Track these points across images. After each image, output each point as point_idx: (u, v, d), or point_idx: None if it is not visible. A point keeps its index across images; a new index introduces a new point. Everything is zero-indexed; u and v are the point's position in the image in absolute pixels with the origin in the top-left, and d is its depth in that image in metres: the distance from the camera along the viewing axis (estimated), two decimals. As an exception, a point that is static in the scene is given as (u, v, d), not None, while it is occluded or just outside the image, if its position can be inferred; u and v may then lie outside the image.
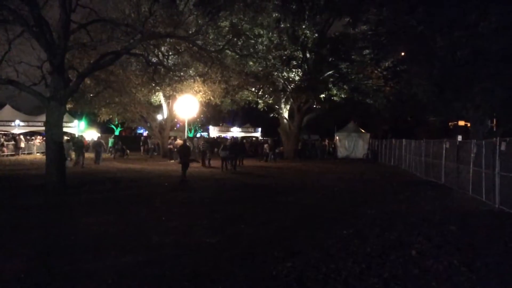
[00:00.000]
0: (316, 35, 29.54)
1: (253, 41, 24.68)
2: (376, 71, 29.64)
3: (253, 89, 31.94)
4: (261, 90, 31.77)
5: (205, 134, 56.39)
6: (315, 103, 32.87)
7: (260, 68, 27.98)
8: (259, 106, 34.02)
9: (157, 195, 13.09)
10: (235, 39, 21.10)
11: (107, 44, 16.02)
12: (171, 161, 27.04)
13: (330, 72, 30.78)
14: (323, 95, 31.18)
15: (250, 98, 33.01)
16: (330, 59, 30.57)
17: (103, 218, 9.37)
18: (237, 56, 22.94)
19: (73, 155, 23.54)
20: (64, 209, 10.75)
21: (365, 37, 25.68)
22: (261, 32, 25.53)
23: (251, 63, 26.38)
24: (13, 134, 36.44)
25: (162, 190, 14.32)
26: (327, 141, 41.37)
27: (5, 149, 30.83)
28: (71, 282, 5.35)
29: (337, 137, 36.32)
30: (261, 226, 8.81)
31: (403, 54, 24.79)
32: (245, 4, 18.01)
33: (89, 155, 27.23)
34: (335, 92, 30.77)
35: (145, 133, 53.26)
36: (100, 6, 15.83)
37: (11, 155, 30.96)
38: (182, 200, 12.32)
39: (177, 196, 13.01)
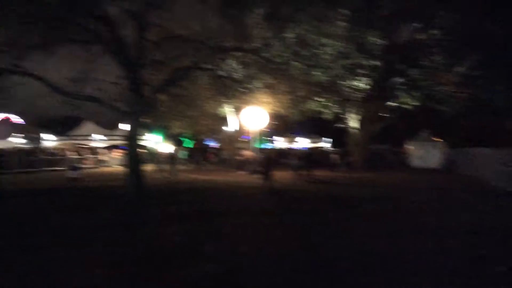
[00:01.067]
0: (384, 41, 28.86)
1: (318, 51, 24.59)
2: (448, 77, 28.38)
3: (319, 99, 31.74)
4: (328, 100, 31.50)
5: (272, 145, 56.72)
6: (384, 111, 32.06)
7: (326, 78, 27.79)
8: (326, 116, 33.73)
9: (230, 205, 13.41)
10: (301, 50, 21.15)
11: (179, 60, 16.73)
12: (241, 172, 27.52)
13: (399, 80, 29.91)
14: (393, 103, 30.34)
15: (317, 108, 32.83)
16: (399, 66, 29.70)
17: (181, 227, 9.72)
18: (302, 67, 22.96)
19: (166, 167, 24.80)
20: (141, 218, 11.28)
21: (437, 43, 24.74)
22: (327, 41, 25.39)
23: (316, 73, 26.27)
24: (93, 147, 38.86)
25: (235, 201, 14.63)
26: (398, 150, 40.11)
27: (86, 162, 32.99)
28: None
29: (409, 146, 35.12)
30: (338, 237, 8.71)
31: (478, 59, 23.57)
32: (310, 15, 18.07)
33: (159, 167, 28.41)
34: (405, 99, 29.82)
35: (213, 145, 54.59)
36: (171, 24, 16.53)
37: (93, 167, 33.07)
38: (256, 210, 12.49)
39: (250, 206, 13.24)
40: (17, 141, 35.89)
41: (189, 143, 59.11)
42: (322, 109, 32.76)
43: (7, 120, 44.01)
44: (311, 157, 24.63)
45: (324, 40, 24.22)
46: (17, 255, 7.41)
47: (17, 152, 31.49)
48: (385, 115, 32.88)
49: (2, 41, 12.67)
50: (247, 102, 25.48)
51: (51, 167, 30.35)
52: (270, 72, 19.43)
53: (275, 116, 31.55)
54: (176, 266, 6.57)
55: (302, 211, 12.30)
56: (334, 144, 50.58)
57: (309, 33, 23.02)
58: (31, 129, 42.53)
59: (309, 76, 25.42)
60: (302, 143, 49.96)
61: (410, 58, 29.37)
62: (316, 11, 18.16)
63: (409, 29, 28.94)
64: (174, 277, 6.03)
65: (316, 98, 31.23)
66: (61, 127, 49.67)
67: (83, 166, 31.29)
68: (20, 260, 7.08)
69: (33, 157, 30.47)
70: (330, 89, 28.58)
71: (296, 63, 21.53)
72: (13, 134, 37.44)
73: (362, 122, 33.49)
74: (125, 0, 13.59)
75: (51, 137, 43.70)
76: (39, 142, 39.60)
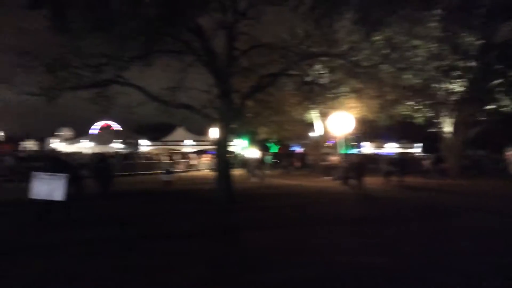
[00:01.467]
0: (481, 41, 27.08)
1: (409, 53, 23.69)
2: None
3: (410, 103, 30.51)
4: (419, 103, 30.16)
5: (358, 150, 55.52)
6: (481, 115, 29.99)
7: (418, 81, 26.64)
8: (417, 121, 32.32)
9: (319, 211, 13.39)
10: (391, 52, 20.54)
11: (266, 67, 17.05)
12: (327, 178, 27.27)
13: (497, 81, 27.85)
14: (490, 106, 28.30)
15: (407, 112, 31.58)
16: (497, 66, 27.66)
17: (270, 232, 9.88)
18: (392, 70, 22.27)
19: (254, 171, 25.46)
20: (232, 222, 11.65)
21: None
22: (418, 43, 24.38)
23: (407, 76, 25.30)
24: (185, 152, 40.72)
25: (323, 207, 14.57)
26: (497, 156, 37.27)
27: (179, 166, 34.68)
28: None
29: (510, 153, 32.50)
30: (431, 248, 8.36)
31: None
32: (400, 16, 17.49)
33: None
34: (504, 102, 27.67)
35: (299, 150, 54.61)
36: (259, 32, 16.92)
37: (184, 171, 34.67)
38: (346, 217, 12.37)
39: (340, 213, 13.13)
40: (117, 146, 38.63)
41: (275, 148, 59.79)
42: (413, 113, 31.43)
43: (108, 127, 47.64)
44: (402, 162, 23.75)
45: (415, 42, 23.26)
46: (124, 253, 8.01)
47: (118, 156, 33.89)
48: (481, 118, 30.77)
49: (107, 54, 13.80)
50: (333, 107, 25.26)
51: (147, 170, 32.27)
52: (358, 76, 19.10)
53: (362, 121, 30.90)
54: (266, 270, 6.70)
55: (393, 219, 11.94)
56: (425, 150, 48.28)
57: (399, 35, 22.29)
58: (129, 135, 45.71)
59: (399, 79, 24.59)
60: (391, 148, 48.28)
61: (509, 58, 27.24)
62: (408, 12, 17.52)
63: (508, 27, 26.90)
64: (265, 281, 6.16)
65: (406, 102, 30.10)
66: (156, 133, 52.74)
67: (175, 170, 32.93)
68: (125, 257, 7.66)
69: (130, 161, 32.60)
70: (422, 92, 27.35)
71: (385, 66, 20.97)
72: (114, 140, 40.36)
73: (456, 126, 31.64)
74: (216, 12, 14.14)
75: (147, 142, 46.55)
76: (136, 147, 42.33)
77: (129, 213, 13.13)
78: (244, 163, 25.97)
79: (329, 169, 28.32)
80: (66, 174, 10.86)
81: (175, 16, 12.23)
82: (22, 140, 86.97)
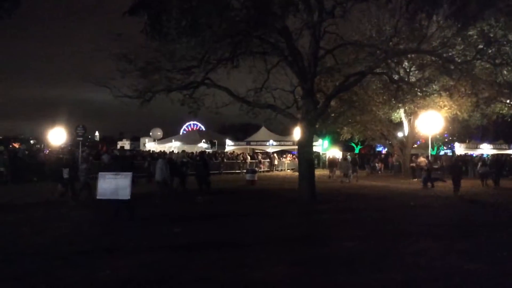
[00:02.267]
0: None
1: (506, 47, 22.02)
2: None
3: (508, 100, 28.32)
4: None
5: (448, 151, 52.61)
6: None
7: (517, 77, 24.66)
8: (515, 119, 29.94)
9: (404, 214, 12.91)
10: (486, 47, 19.24)
11: (352, 66, 16.73)
12: (414, 179, 26.16)
13: None
14: None
15: (504, 111, 29.36)
16: None
17: (352, 234, 9.68)
18: (488, 66, 20.84)
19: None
20: (316, 223, 11.59)
21: None
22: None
23: (505, 72, 23.52)
24: (268, 152, 41.14)
25: (408, 210, 14.04)
26: None
27: (262, 165, 35.15)
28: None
29: None
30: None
31: None
32: (496, 9, 16.33)
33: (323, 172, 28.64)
34: None
35: (384, 151, 52.96)
36: (344, 30, 16.69)
37: (266, 171, 35.07)
38: (431, 220, 11.79)
39: (422, 216, 12.60)
40: (203, 146, 40.00)
41: (358, 149, 58.52)
42: (510, 112, 29.19)
43: (195, 127, 49.54)
44: (497, 164, 22.16)
45: (514, 35, 21.54)
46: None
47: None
48: None
49: (197, 57, 14.38)
50: (422, 106, 24.20)
51: (230, 170, 33.06)
52: (450, 73, 18.11)
53: (452, 121, 29.28)
54: (349, 273, 6.59)
55: (486, 224, 11.17)
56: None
57: (495, 29, 20.82)
58: (215, 135, 47.16)
59: (495, 76, 22.98)
60: (485, 149, 45.09)
61: None
62: (505, 4, 16.29)
63: None
64: (354, 284, 6.06)
65: (503, 100, 28.00)
66: (240, 133, 53.91)
67: (259, 169, 33.41)
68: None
69: (215, 160, 33.54)
70: (522, 88, 25.26)
71: (480, 62, 19.68)
72: (200, 140, 41.82)
73: None
74: (303, 12, 14.14)
75: (230, 142, 47.69)
76: (220, 147, 43.52)
77: (216, 212, 13.54)
78: (331, 163, 25.82)
79: (416, 171, 27.14)
80: (131, 173, 10.96)
81: (263, 18, 12.44)
82: (117, 139, 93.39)
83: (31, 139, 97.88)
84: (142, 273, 6.43)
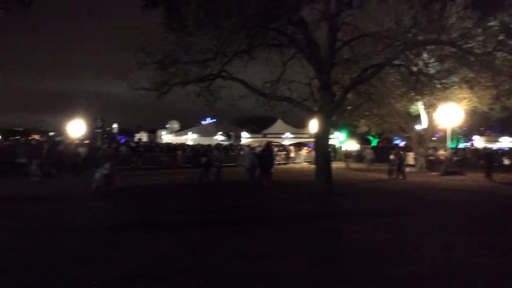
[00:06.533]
0: None
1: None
2: None
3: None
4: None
5: (467, 144, 51.86)
6: None
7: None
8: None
9: (422, 207, 12.79)
10: (506, 39, 18.81)
11: (369, 57, 16.54)
12: (433, 172, 25.87)
13: None
14: None
15: (525, 103, 28.72)
16: None
17: (369, 227, 9.62)
18: (509, 57, 20.39)
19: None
20: (333, 215, 11.55)
21: None
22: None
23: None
24: (284, 145, 41.13)
25: (427, 203, 13.90)
26: None
27: (278, 158, 35.13)
28: (350, 285, 5.72)
29: None
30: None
31: None
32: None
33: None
34: None
35: (401, 144, 52.35)
36: (361, 21, 16.44)
37: (283, 163, 35.03)
38: (456, 214, 11.69)
39: (448, 210, 12.44)
40: (219, 138, 40.16)
41: (375, 142, 58.05)
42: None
43: (211, 119, 49.72)
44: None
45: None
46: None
47: (221, 148, 35.21)
48: None
49: (212, 50, 14.39)
50: (441, 99, 23.80)
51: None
52: (470, 64, 17.78)
53: (472, 113, 28.76)
54: (376, 266, 6.57)
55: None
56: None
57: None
58: (231, 128, 47.30)
59: (517, 67, 22.48)
60: (504, 142, 44.31)
61: None
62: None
63: None
64: (379, 277, 6.04)
65: (525, 92, 27.42)
66: (256, 126, 53.91)
67: (275, 162, 33.37)
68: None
69: (232, 153, 33.64)
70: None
71: (501, 54, 19.27)
72: (216, 132, 41.96)
73: None
74: (319, 3, 14.02)
75: (247, 135, 47.76)
76: (236, 140, 43.65)
77: (234, 202, 13.63)
78: (344, 156, 25.56)
79: (435, 164, 26.83)
80: None
81: (279, 9, 12.37)
82: (134, 132, 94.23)
83: (51, 131, 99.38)
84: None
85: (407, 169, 25.77)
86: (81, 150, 25.13)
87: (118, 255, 6.89)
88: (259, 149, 23.25)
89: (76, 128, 27.05)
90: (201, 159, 19.60)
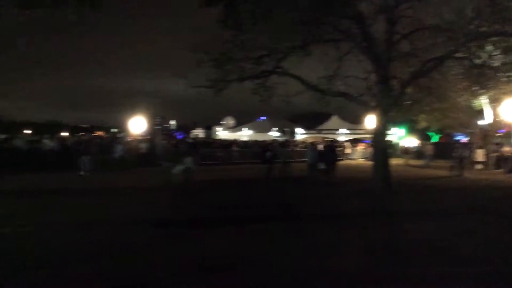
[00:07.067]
0: None
1: None
2: None
3: None
4: None
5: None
6: None
7: None
8: None
9: (487, 206, 12.29)
10: None
11: (429, 50, 16.01)
12: (499, 170, 24.63)
13: None
14: None
15: None
16: None
17: (431, 226, 9.39)
18: None
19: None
20: (392, 213, 11.34)
21: None
22: None
23: None
24: (339, 141, 40.63)
25: (492, 202, 13.32)
26: None
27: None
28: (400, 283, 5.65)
29: None
30: None
31: None
32: None
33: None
34: None
35: (463, 140, 50.07)
36: (422, 14, 15.90)
37: (338, 160, 34.52)
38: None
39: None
40: (274, 134, 40.31)
41: (435, 138, 55.96)
42: None
43: (265, 116, 49.96)
44: None
45: None
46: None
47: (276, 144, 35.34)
48: None
49: (267, 47, 14.50)
50: (507, 92, 22.61)
51: (301, 158, 32.98)
52: (539, 56, 16.78)
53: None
54: (420, 262, 6.45)
55: None
56: None
57: None
58: (285, 124, 47.30)
59: None
60: None
61: None
62: None
63: None
64: (418, 273, 5.93)
65: None
66: (310, 122, 53.56)
67: (338, 158, 32.99)
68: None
69: (286, 149, 33.63)
70: None
71: None
72: (271, 128, 42.12)
73: None
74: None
75: (301, 131, 47.63)
76: (291, 136, 43.63)
77: (293, 198, 13.72)
78: (404, 153, 24.86)
79: (501, 161, 25.53)
80: None
81: (334, 4, 12.27)
82: (191, 128, 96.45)
83: (113, 128, 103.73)
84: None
85: (477, 166, 24.85)
86: (143, 146, 26.19)
87: (186, 247, 7.19)
88: (321, 146, 23.60)
89: (137, 125, 28.06)
90: (267, 154, 20.09)
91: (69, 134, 61.43)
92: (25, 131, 56.08)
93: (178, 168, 16.14)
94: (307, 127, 51.27)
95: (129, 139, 29.29)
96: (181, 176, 16.10)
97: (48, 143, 23.78)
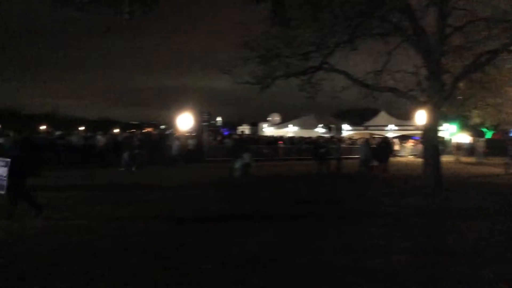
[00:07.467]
0: None
1: None
2: None
3: None
4: None
5: None
6: None
7: None
8: None
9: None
10: None
11: (483, 43, 15.39)
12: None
13: None
14: None
15: None
16: None
17: (486, 225, 9.12)
18: None
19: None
20: (443, 212, 11.03)
21: None
22: None
23: None
24: (387, 137, 39.75)
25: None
26: None
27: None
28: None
29: None
30: None
31: None
32: None
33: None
34: None
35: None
36: (475, 5, 15.29)
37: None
38: None
39: None
40: (320, 130, 40.03)
41: (489, 134, 53.65)
42: None
43: (311, 114, 49.59)
44: None
45: None
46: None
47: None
48: None
49: (314, 43, 14.42)
50: None
51: (348, 155, 32.56)
52: None
53: None
54: (476, 264, 6.26)
55: None
56: None
57: None
58: (332, 120, 46.81)
59: None
60: None
61: None
62: None
63: None
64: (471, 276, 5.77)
65: None
66: (358, 118, 52.76)
67: (392, 155, 32.36)
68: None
69: (332, 145, 33.33)
70: None
71: None
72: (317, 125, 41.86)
73: None
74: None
75: (348, 127, 46.97)
76: (338, 132, 43.15)
77: (343, 195, 13.67)
78: (470, 148, 24.22)
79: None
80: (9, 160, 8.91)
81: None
82: (237, 124, 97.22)
83: (162, 125, 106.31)
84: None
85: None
86: (191, 142, 26.73)
87: (236, 241, 7.37)
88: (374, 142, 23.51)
89: (185, 121, 28.63)
90: (320, 150, 20.16)
91: (120, 130, 63.48)
92: (79, 128, 58.43)
93: (239, 164, 16.52)
94: (354, 123, 50.56)
95: (177, 135, 29.94)
96: (241, 171, 16.45)
97: (101, 139, 24.70)
